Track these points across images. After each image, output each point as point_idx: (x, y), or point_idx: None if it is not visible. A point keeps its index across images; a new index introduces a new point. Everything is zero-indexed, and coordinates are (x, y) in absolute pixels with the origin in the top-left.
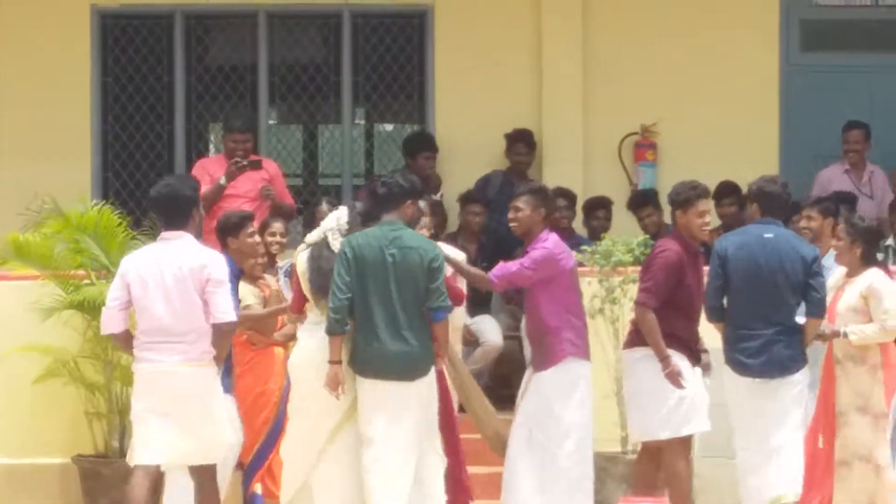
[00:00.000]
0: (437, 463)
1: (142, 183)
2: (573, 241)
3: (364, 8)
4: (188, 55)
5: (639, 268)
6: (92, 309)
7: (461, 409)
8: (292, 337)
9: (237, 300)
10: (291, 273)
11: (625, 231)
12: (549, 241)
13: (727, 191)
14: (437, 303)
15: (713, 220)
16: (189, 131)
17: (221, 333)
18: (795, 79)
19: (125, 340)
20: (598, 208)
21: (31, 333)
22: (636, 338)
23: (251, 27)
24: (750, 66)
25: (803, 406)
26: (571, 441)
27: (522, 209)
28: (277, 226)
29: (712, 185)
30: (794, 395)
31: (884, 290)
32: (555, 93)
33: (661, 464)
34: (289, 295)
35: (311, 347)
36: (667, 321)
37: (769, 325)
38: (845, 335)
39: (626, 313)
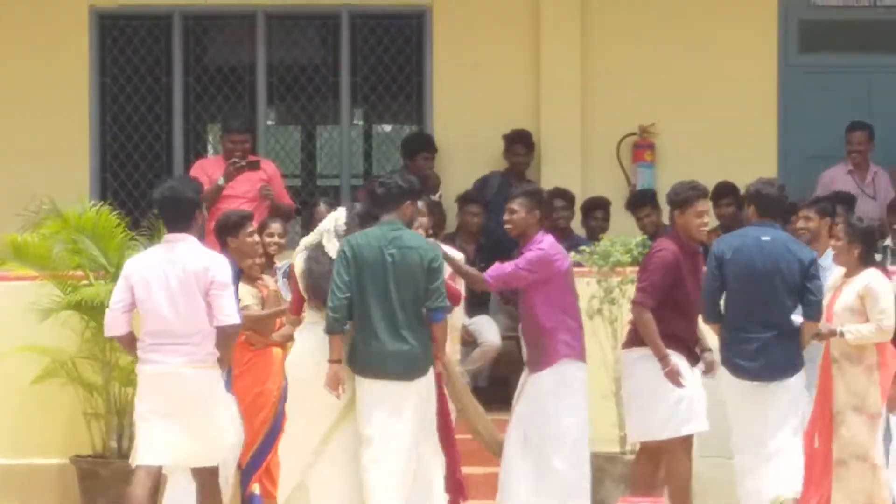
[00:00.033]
0: (437, 462)
1: (140, 184)
2: (571, 242)
3: (362, 9)
4: (186, 56)
5: (637, 268)
6: (90, 309)
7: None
8: (290, 337)
9: (237, 300)
10: (290, 274)
11: (623, 231)
12: (545, 243)
13: (725, 191)
14: (436, 303)
15: (711, 220)
16: (187, 132)
17: (225, 336)
18: (794, 79)
19: (129, 342)
20: (597, 209)
21: (30, 334)
22: (635, 338)
23: (249, 28)
24: (748, 67)
25: (800, 409)
26: (567, 442)
27: (517, 211)
28: (276, 226)
29: (710, 186)
30: (791, 398)
31: (880, 290)
32: (553, 94)
33: (661, 464)
34: (287, 296)
35: (308, 348)
36: (665, 321)
37: (766, 328)
38: (842, 334)
39: (625, 314)
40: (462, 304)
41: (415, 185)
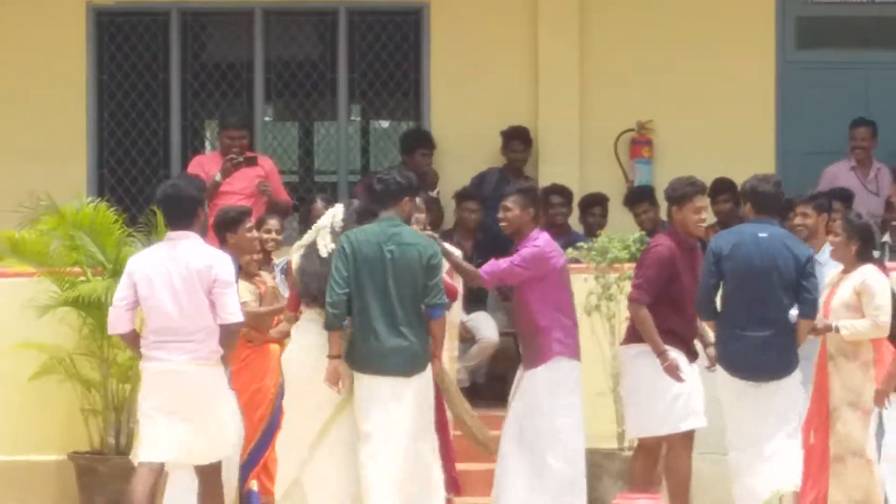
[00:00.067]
0: (436, 458)
1: (137, 180)
2: (569, 238)
3: (360, 5)
4: (184, 52)
5: (634, 265)
6: (88, 306)
7: None
8: (288, 334)
9: None
10: (287, 271)
11: (621, 228)
12: (540, 240)
13: (722, 188)
14: (434, 300)
15: (708, 217)
16: (185, 128)
17: (229, 333)
18: (791, 76)
19: (132, 340)
20: (595, 205)
21: (27, 331)
22: (633, 334)
23: (247, 24)
24: (746, 64)
25: (798, 409)
26: (561, 440)
27: (511, 209)
28: (273, 222)
29: (708, 182)
30: (788, 397)
31: (876, 286)
32: (551, 90)
33: (659, 460)
34: (285, 292)
35: (305, 344)
36: (662, 317)
37: (763, 325)
38: (837, 330)
39: (622, 310)
40: (460, 300)
41: (413, 181)
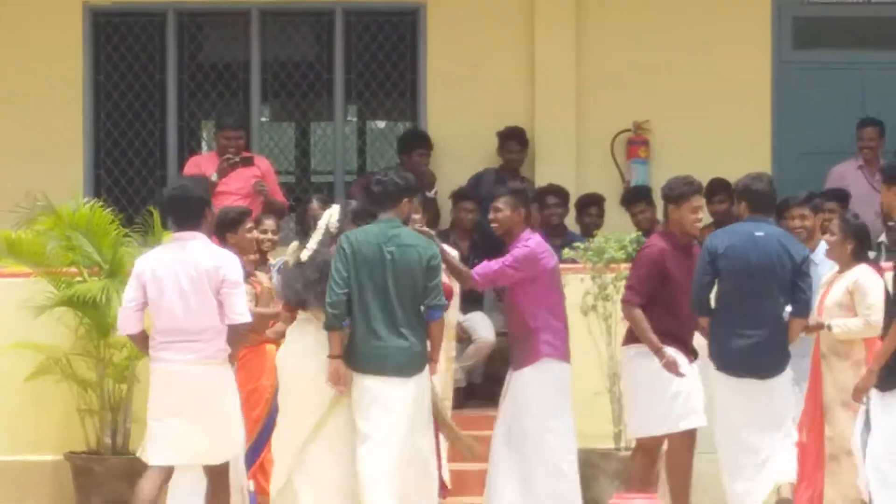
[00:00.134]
0: (433, 456)
1: (134, 180)
2: (566, 238)
3: (356, 5)
4: (181, 52)
5: (630, 265)
6: (84, 306)
7: None
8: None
9: None
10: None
11: (618, 228)
12: (532, 241)
13: (718, 188)
14: (434, 301)
15: (704, 216)
16: (181, 129)
17: (237, 333)
18: (788, 76)
19: (142, 340)
20: (591, 205)
21: (24, 331)
22: (632, 336)
23: (244, 24)
24: (742, 64)
25: (790, 407)
26: (548, 442)
27: (502, 210)
28: (269, 223)
29: (704, 182)
30: (781, 396)
31: (870, 285)
32: (547, 90)
33: (657, 460)
34: None
35: (300, 345)
36: (657, 320)
37: (759, 324)
38: (829, 328)
39: (619, 310)
40: (457, 300)
41: (412, 182)
